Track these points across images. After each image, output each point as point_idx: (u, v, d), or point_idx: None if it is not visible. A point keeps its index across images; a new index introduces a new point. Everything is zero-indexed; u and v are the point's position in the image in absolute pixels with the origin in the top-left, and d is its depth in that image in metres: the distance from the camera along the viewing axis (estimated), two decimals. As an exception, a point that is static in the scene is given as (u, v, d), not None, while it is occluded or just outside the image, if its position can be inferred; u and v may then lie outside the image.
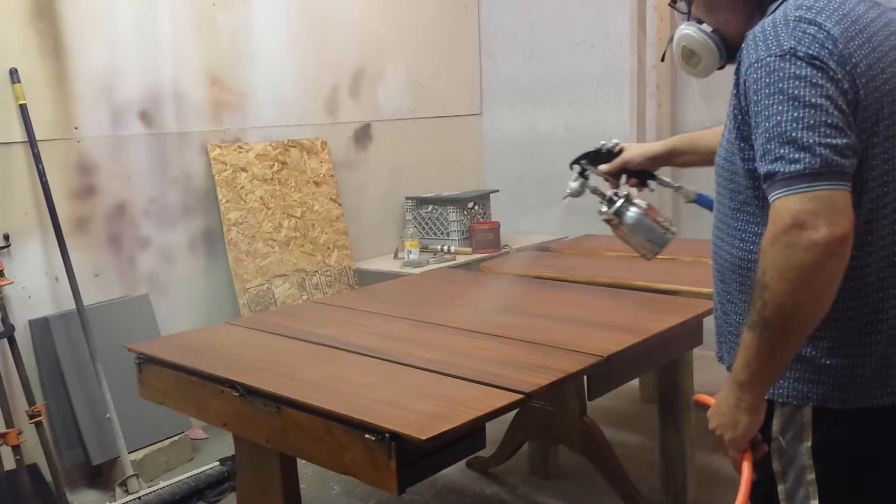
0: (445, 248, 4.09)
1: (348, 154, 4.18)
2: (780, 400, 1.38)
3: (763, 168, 1.21)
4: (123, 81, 3.28)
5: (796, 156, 1.17)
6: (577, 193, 1.97)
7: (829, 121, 1.19)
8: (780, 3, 1.34)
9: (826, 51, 1.23)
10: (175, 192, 3.48)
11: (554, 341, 2.03)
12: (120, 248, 3.31)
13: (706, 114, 3.89)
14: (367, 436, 1.54)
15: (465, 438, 1.62)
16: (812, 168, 1.16)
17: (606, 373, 2.03)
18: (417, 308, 2.47)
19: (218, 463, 3.02)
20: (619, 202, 1.87)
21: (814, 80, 1.20)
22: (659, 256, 1.95)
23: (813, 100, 1.19)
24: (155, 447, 3.14)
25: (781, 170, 1.18)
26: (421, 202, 4.31)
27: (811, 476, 1.38)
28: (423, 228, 4.26)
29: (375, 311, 2.48)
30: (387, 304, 2.57)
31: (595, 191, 1.95)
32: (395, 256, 4.14)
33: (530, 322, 2.23)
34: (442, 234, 4.22)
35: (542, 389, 1.71)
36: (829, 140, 1.18)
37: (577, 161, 1.97)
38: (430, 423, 1.52)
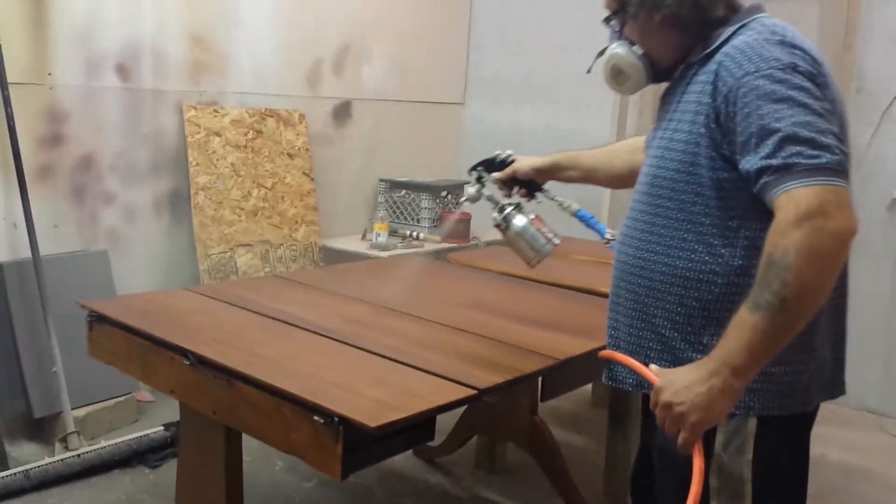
0: (414, 234, 4.07)
1: (325, 129, 4.13)
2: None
3: (775, 162, 1.24)
4: (103, 32, 3.20)
5: (816, 152, 1.23)
6: (473, 198, 2.05)
7: (833, 130, 1.27)
8: (735, 32, 1.40)
9: (817, 71, 1.32)
10: (145, 150, 3.42)
11: (513, 340, 2.02)
12: (83, 201, 3.24)
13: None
14: (315, 418, 1.52)
15: (413, 429, 1.61)
16: (832, 164, 1.23)
17: (562, 375, 2.03)
18: (381, 293, 2.45)
19: (162, 427, 2.98)
20: (509, 209, 1.96)
21: (815, 94, 1.28)
22: None
23: (818, 109, 1.27)
24: (99, 406, 3.09)
25: (802, 162, 1.22)
26: (394, 185, 4.28)
27: (748, 489, 1.42)
28: (395, 212, 4.24)
29: (339, 291, 2.45)
30: (351, 285, 2.54)
31: (490, 198, 2.04)
32: (363, 238, 4.11)
33: (491, 318, 2.22)
34: (412, 219, 4.20)
35: (495, 387, 1.71)
36: (838, 145, 1.26)
37: (474, 168, 2.06)
38: (380, 410, 1.51)
